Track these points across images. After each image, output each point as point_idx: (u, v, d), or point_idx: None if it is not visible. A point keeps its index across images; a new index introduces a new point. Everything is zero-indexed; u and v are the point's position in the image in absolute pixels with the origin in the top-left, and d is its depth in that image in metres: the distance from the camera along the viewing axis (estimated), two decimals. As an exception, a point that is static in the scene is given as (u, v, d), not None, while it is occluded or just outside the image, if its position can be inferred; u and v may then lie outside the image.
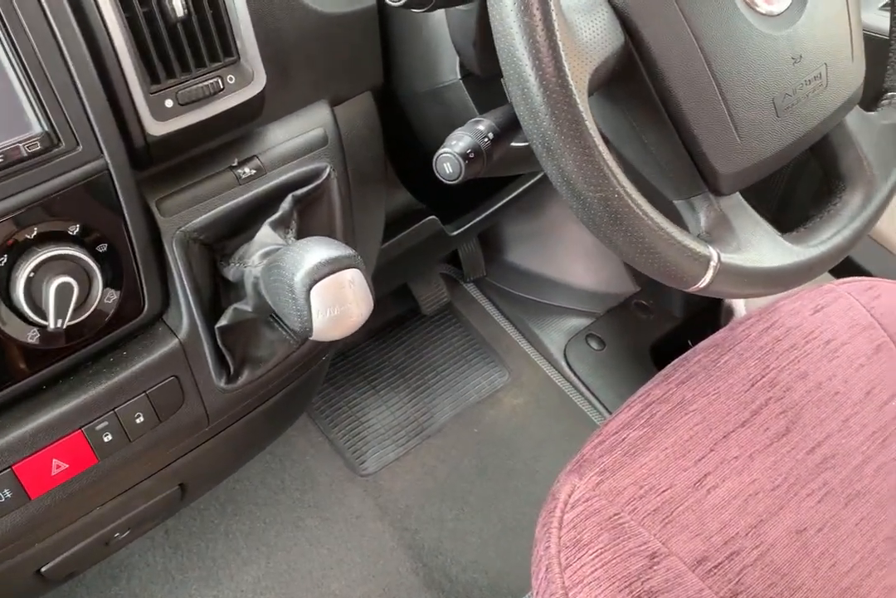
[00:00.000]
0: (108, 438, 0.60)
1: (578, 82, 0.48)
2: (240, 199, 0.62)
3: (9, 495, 0.57)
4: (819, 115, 0.62)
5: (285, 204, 0.63)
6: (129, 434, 0.61)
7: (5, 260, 0.51)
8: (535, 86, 0.46)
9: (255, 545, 1.17)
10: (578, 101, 0.47)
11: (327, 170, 0.66)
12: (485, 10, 0.48)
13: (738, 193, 0.61)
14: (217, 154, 0.62)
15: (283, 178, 0.64)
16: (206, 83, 0.56)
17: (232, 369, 0.64)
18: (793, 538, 0.73)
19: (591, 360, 1.41)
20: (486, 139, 0.56)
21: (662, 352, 1.41)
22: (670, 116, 0.55)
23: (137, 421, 0.61)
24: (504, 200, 1.00)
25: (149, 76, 0.54)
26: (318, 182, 0.66)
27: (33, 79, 0.49)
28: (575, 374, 1.39)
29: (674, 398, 0.80)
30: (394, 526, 1.21)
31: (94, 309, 0.56)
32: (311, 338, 0.53)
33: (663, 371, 0.84)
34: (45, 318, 0.53)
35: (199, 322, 0.62)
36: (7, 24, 0.48)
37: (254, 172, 0.63)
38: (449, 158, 0.56)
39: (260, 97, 0.60)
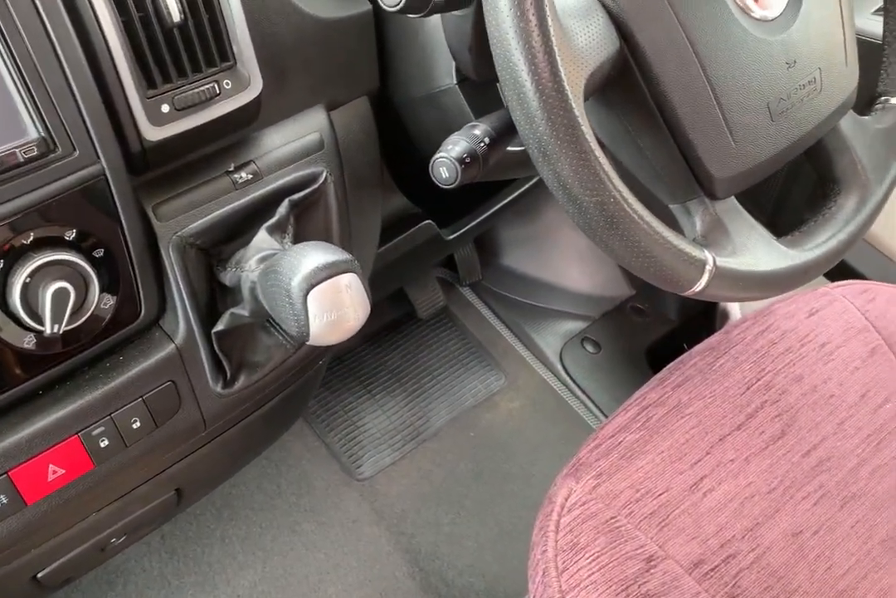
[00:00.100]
0: (104, 443, 0.60)
1: (574, 87, 0.48)
2: (236, 204, 0.62)
3: (5, 502, 0.57)
4: (813, 119, 0.62)
5: (282, 209, 0.63)
6: (125, 439, 0.61)
7: (1, 265, 0.51)
8: (530, 91, 0.46)
9: (252, 550, 1.17)
10: (574, 106, 0.47)
11: (324, 174, 0.66)
12: (480, 15, 0.48)
13: (733, 197, 0.61)
14: (213, 159, 0.62)
15: (280, 182, 0.64)
16: (202, 88, 0.56)
17: (228, 374, 0.64)
18: (789, 540, 0.74)
19: (586, 363, 1.41)
20: (482, 144, 0.57)
21: (658, 355, 1.41)
22: (665, 121, 0.56)
23: (134, 426, 0.61)
24: (500, 205, 1.00)
25: (145, 81, 0.54)
26: (315, 187, 0.66)
27: (30, 84, 0.49)
28: (571, 377, 1.39)
29: (670, 402, 0.80)
30: (390, 530, 1.21)
31: (91, 314, 0.56)
32: (308, 343, 0.53)
33: (659, 375, 0.84)
34: (41, 323, 0.53)
35: (195, 327, 0.62)
36: (3, 30, 0.48)
37: (250, 176, 0.63)
38: (445, 163, 0.56)
39: (256, 102, 0.60)
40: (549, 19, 0.46)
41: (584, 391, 1.38)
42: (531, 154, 0.49)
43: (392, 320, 1.42)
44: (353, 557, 1.18)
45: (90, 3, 0.51)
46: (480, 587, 1.18)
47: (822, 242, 0.64)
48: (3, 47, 0.48)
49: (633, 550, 0.70)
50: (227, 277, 0.61)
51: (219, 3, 0.56)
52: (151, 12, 0.53)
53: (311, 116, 0.68)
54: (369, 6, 0.69)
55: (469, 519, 1.23)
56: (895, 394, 0.84)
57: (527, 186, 1.02)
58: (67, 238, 0.53)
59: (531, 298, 1.47)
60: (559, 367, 1.40)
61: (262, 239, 0.61)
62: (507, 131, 0.58)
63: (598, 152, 0.49)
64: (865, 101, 0.72)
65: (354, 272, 0.53)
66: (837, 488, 0.77)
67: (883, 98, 0.72)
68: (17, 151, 0.50)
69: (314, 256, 0.52)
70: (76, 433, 0.58)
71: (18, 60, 0.49)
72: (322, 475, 1.25)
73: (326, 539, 1.19)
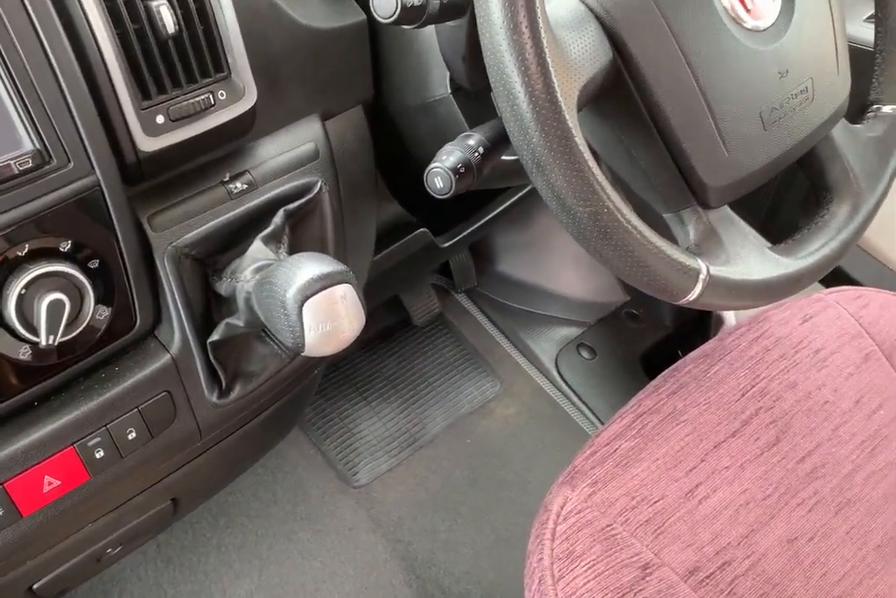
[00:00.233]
0: (100, 454, 0.60)
1: (567, 98, 0.49)
2: (231, 214, 0.62)
3: (0, 514, 0.57)
4: (806, 128, 0.63)
5: (277, 218, 0.63)
6: (121, 450, 0.61)
7: (-4, 277, 0.51)
8: (524, 102, 0.47)
9: (248, 559, 1.16)
10: (567, 117, 0.47)
11: (318, 184, 0.66)
12: (474, 25, 0.48)
13: (726, 205, 0.62)
14: (208, 169, 0.62)
15: (275, 192, 0.64)
16: (197, 99, 0.56)
17: (224, 384, 0.64)
18: (784, 547, 0.74)
19: (582, 369, 1.41)
20: (476, 154, 0.57)
21: (653, 361, 1.41)
22: (659, 131, 0.56)
23: (129, 437, 0.61)
24: (494, 212, 1.01)
25: (140, 92, 0.54)
26: (310, 196, 0.66)
27: (24, 96, 0.49)
28: (566, 383, 1.39)
29: (665, 409, 0.80)
30: (386, 538, 1.21)
31: (86, 325, 0.56)
32: (303, 354, 0.53)
33: (654, 382, 0.84)
34: (36, 335, 0.53)
35: (190, 337, 0.62)
36: (-2, 42, 0.48)
37: (245, 186, 0.63)
38: (439, 173, 0.56)
39: (251, 113, 0.60)
40: (543, 31, 0.46)
41: (579, 397, 1.38)
42: (525, 165, 0.49)
43: (387, 327, 1.43)
44: (350, 565, 1.18)
45: (85, 16, 0.51)
46: (477, 595, 1.17)
47: (814, 249, 0.64)
48: (-1, 59, 0.49)
49: (629, 558, 0.70)
50: (223, 287, 0.61)
51: (213, 15, 0.56)
52: (146, 24, 0.53)
53: (306, 126, 0.68)
54: (364, 16, 0.70)
55: (465, 526, 1.23)
56: (889, 400, 0.85)
57: (521, 193, 1.02)
58: (62, 249, 0.53)
59: (526, 304, 1.47)
60: (555, 373, 1.40)
61: (258, 249, 0.61)
62: (501, 141, 0.58)
63: (592, 163, 0.49)
64: (857, 108, 0.73)
65: (349, 283, 0.53)
66: (832, 495, 0.77)
67: (875, 106, 0.72)
68: (11, 162, 0.50)
69: (309, 267, 0.52)
70: (72, 444, 0.58)
71: (14, 72, 0.49)
72: (318, 483, 1.24)
73: (322, 547, 1.19)
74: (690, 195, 0.59)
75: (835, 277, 0.83)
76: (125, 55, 0.53)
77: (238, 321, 0.61)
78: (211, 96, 0.57)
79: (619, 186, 0.62)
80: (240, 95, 0.59)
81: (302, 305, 0.51)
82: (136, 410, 0.61)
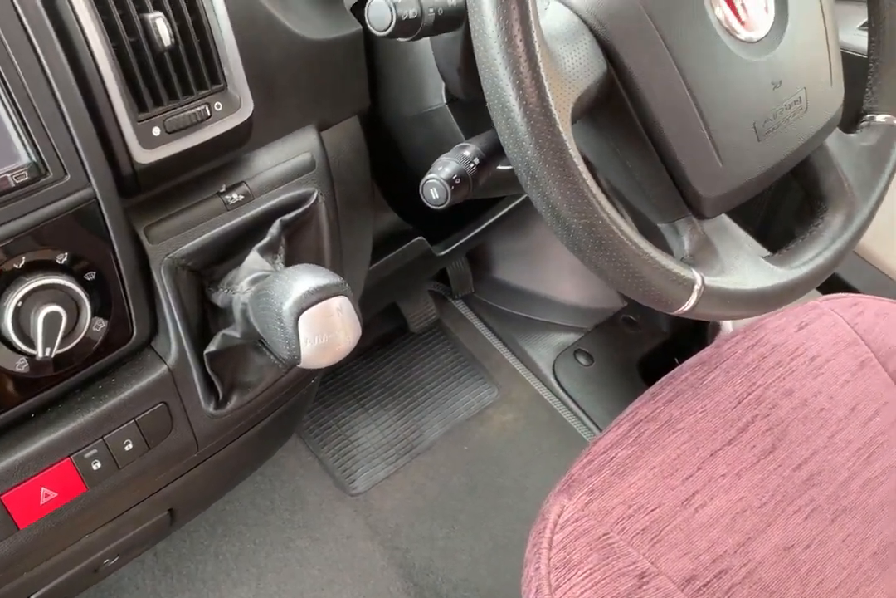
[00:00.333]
0: (96, 465, 0.60)
1: (562, 111, 0.49)
2: (228, 225, 0.62)
3: (-4, 526, 0.57)
4: (800, 138, 0.63)
5: (273, 229, 0.63)
6: (117, 462, 0.61)
7: (-7, 289, 0.51)
8: (518, 115, 0.47)
9: (246, 567, 1.16)
10: (562, 130, 0.48)
11: (315, 195, 0.66)
12: (469, 38, 0.48)
13: (721, 215, 0.62)
14: (205, 180, 0.62)
15: (271, 203, 0.65)
16: (193, 111, 0.56)
17: (220, 395, 0.64)
18: (780, 555, 0.74)
19: (579, 375, 1.41)
20: (471, 165, 0.57)
21: (650, 367, 1.41)
22: (653, 142, 0.56)
23: (126, 448, 0.61)
24: (491, 220, 1.01)
25: (136, 104, 0.54)
26: (306, 207, 0.66)
27: (21, 109, 0.50)
28: (563, 389, 1.39)
29: (661, 417, 0.80)
30: (384, 545, 1.21)
31: (83, 337, 0.56)
32: (299, 366, 0.53)
33: (651, 389, 0.84)
34: (33, 347, 0.53)
35: (187, 348, 0.62)
36: (-6, 56, 0.48)
37: (241, 197, 0.63)
38: (435, 184, 0.56)
39: (247, 124, 0.60)
40: (537, 44, 0.47)
41: (576, 404, 1.38)
42: (520, 177, 0.49)
43: (384, 334, 1.43)
44: (348, 573, 1.17)
45: (81, 29, 0.51)
46: (475, 602, 1.18)
47: (809, 259, 0.64)
48: (-5, 74, 0.49)
49: (626, 566, 0.70)
50: (219, 299, 0.61)
51: (209, 27, 0.56)
52: (143, 37, 0.53)
53: (302, 137, 0.69)
54: (359, 27, 0.70)
55: (463, 533, 1.23)
56: (885, 407, 0.85)
57: (517, 201, 1.02)
58: (59, 262, 0.53)
59: (524, 310, 1.47)
60: (552, 379, 1.40)
61: (254, 260, 0.61)
62: (496, 152, 0.58)
63: (586, 175, 0.49)
64: (852, 116, 0.73)
65: (345, 295, 0.53)
66: (828, 502, 0.78)
67: (868, 115, 0.72)
68: (8, 175, 0.50)
69: (305, 279, 0.52)
70: (68, 456, 0.58)
71: (9, 86, 0.49)
72: (315, 491, 1.24)
73: (320, 555, 1.19)
74: (685, 206, 0.59)
75: (831, 283, 0.83)
76: (121, 68, 0.53)
77: (234, 332, 0.61)
78: (207, 108, 0.57)
79: (616, 197, 0.62)
80: (236, 107, 0.59)
81: (298, 317, 0.51)
82: (132, 421, 0.61)
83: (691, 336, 1.41)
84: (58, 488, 0.59)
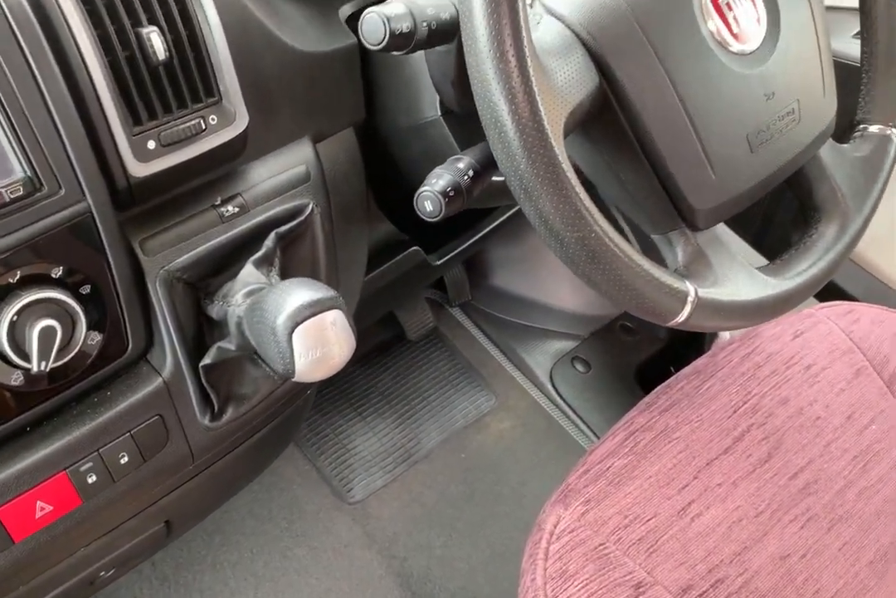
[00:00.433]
0: (92, 479, 0.60)
1: (554, 125, 0.49)
2: (223, 237, 0.62)
3: (-8, 540, 0.57)
4: (793, 149, 0.63)
5: (268, 242, 0.63)
6: (113, 475, 0.61)
7: (-12, 304, 0.51)
8: (511, 130, 0.47)
9: (243, 576, 1.16)
10: (554, 144, 0.48)
11: (310, 207, 0.67)
12: (462, 51, 0.49)
13: (714, 227, 0.62)
14: (200, 193, 0.62)
15: (267, 215, 0.65)
16: (188, 124, 0.57)
17: (216, 407, 0.64)
18: (777, 564, 0.74)
19: (576, 383, 1.41)
20: (465, 177, 0.57)
21: (647, 374, 1.42)
22: (646, 155, 0.56)
23: (122, 461, 0.61)
24: (486, 230, 1.01)
25: (131, 118, 0.54)
26: (301, 219, 0.66)
27: (15, 124, 0.50)
28: (561, 397, 1.39)
29: (657, 426, 0.81)
30: (382, 554, 1.20)
31: (78, 351, 0.56)
32: (293, 379, 0.53)
33: (646, 399, 0.85)
34: (28, 361, 0.53)
35: (182, 361, 0.62)
36: (-11, 72, 0.49)
37: (237, 210, 0.63)
38: (429, 197, 0.56)
39: (242, 137, 0.60)
40: (529, 59, 0.47)
41: (574, 411, 1.38)
42: (513, 190, 0.50)
43: (381, 342, 1.43)
44: (345, 581, 1.17)
45: (76, 43, 0.51)
46: (472, 610, 1.17)
47: (803, 270, 0.65)
48: (-11, 89, 0.49)
49: (622, 576, 0.70)
50: (214, 311, 0.61)
51: (204, 40, 0.57)
52: (137, 51, 0.53)
53: (297, 149, 0.69)
54: (354, 39, 0.70)
55: (461, 541, 1.23)
56: (880, 415, 0.85)
57: (513, 210, 1.03)
58: (54, 276, 0.54)
59: (521, 317, 1.47)
60: (549, 387, 1.40)
61: (249, 273, 0.61)
62: (490, 164, 0.58)
63: (579, 189, 0.49)
64: (845, 126, 0.73)
65: (339, 309, 0.53)
66: (824, 511, 0.78)
67: (861, 126, 0.73)
68: (3, 190, 0.50)
69: (299, 293, 0.53)
70: (64, 470, 0.58)
71: (3, 100, 0.49)
72: (313, 499, 1.24)
73: (318, 564, 1.18)
74: (678, 217, 0.59)
75: (828, 291, 0.83)
76: (116, 81, 0.53)
77: (230, 345, 0.61)
78: (202, 121, 0.57)
79: (617, 210, 0.63)
80: (231, 120, 0.59)
81: (292, 332, 0.51)
82: (128, 434, 0.61)
83: (688, 343, 1.41)
84: (53, 501, 0.58)
